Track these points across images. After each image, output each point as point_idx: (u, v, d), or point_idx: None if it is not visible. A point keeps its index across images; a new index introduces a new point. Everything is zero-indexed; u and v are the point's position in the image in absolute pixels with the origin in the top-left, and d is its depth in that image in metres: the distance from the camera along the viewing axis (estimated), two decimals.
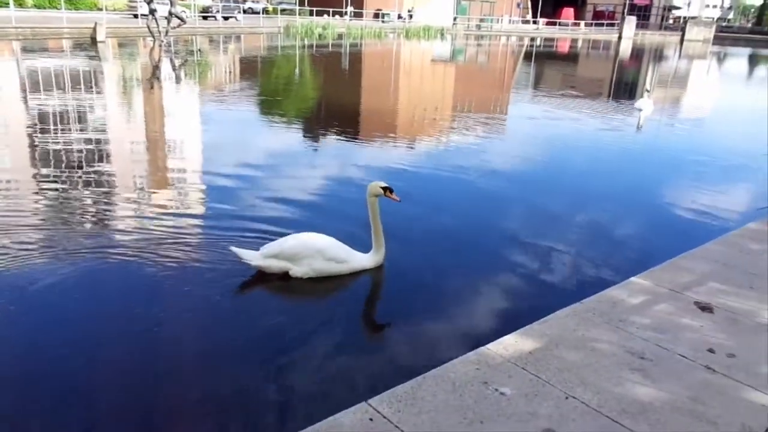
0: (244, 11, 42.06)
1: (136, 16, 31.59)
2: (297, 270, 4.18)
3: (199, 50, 26.02)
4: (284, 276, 4.21)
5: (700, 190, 7.47)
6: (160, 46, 24.06)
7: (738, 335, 3.22)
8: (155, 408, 3.00)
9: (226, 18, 39.42)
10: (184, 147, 8.99)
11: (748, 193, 7.52)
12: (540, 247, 5.26)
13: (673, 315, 3.43)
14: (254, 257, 4.14)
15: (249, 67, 21.53)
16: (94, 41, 23.53)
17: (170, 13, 25.47)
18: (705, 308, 3.52)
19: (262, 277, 4.22)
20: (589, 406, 2.54)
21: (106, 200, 6.00)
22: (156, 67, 18.99)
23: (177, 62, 20.82)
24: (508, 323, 3.48)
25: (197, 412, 2.94)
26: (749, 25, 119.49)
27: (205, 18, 38.21)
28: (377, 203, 4.36)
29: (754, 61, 45.40)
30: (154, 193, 6.48)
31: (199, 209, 5.84)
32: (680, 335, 3.19)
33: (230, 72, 19.74)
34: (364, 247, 4.48)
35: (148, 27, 25.03)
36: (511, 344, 3.01)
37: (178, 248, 4.65)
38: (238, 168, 7.32)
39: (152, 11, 24.46)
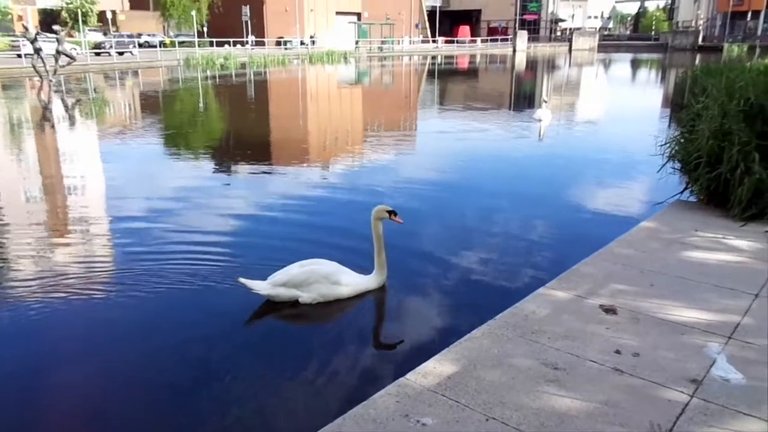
0: (140, 45, 40.70)
1: (20, 56, 29.78)
2: (306, 296, 4.30)
3: (94, 88, 24.86)
4: (293, 303, 4.31)
5: (600, 191, 7.95)
6: (50, 85, 22.81)
7: (640, 334, 3.39)
8: None
9: (120, 53, 37.98)
10: (86, 189, 8.52)
11: (642, 191, 8.00)
12: (455, 261, 5.34)
13: (581, 321, 3.56)
14: (263, 287, 4.26)
15: (149, 103, 20.76)
16: None
17: (58, 51, 24.21)
18: (609, 310, 3.68)
19: (271, 305, 4.30)
20: (509, 425, 2.56)
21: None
22: (46, 108, 17.96)
23: (70, 101, 19.76)
24: (431, 347, 3.51)
25: None
26: (628, 32, 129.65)
27: (98, 54, 36.67)
28: (381, 226, 4.53)
29: (635, 64, 49.06)
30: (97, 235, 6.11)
31: (140, 246, 5.64)
32: (589, 340, 3.31)
33: (130, 108, 18.96)
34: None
35: (34, 67, 23.71)
36: (430, 371, 3.00)
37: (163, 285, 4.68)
38: (154, 204, 7.14)
39: (37, 50, 23.20)
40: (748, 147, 5.65)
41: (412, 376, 2.95)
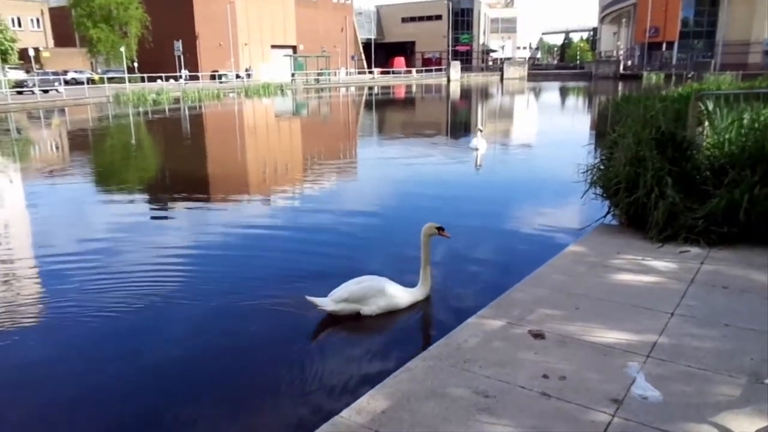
0: (66, 82, 39.31)
1: None
2: (367, 309, 4.77)
3: (17, 128, 23.87)
4: (355, 316, 4.74)
5: (532, 217, 8.27)
6: None
7: (567, 357, 3.51)
8: None
9: (45, 91, 36.65)
10: (9, 232, 8.18)
11: (570, 216, 8.32)
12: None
13: (511, 347, 3.66)
14: (328, 303, 4.69)
15: (76, 141, 20.06)
16: None
17: None
18: (538, 335, 3.81)
19: (333, 319, 4.71)
20: None
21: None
22: None
23: None
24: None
25: None
26: (555, 61, 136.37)
27: (20, 93, 35.27)
28: (430, 242, 5.03)
29: (563, 92, 51.37)
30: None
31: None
32: (518, 366, 3.41)
33: (56, 147, 18.29)
34: None
35: None
36: (364, 407, 3.01)
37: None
38: (82, 245, 6.82)
39: None
40: (661, 172, 6.01)
41: (346, 413, 2.96)
